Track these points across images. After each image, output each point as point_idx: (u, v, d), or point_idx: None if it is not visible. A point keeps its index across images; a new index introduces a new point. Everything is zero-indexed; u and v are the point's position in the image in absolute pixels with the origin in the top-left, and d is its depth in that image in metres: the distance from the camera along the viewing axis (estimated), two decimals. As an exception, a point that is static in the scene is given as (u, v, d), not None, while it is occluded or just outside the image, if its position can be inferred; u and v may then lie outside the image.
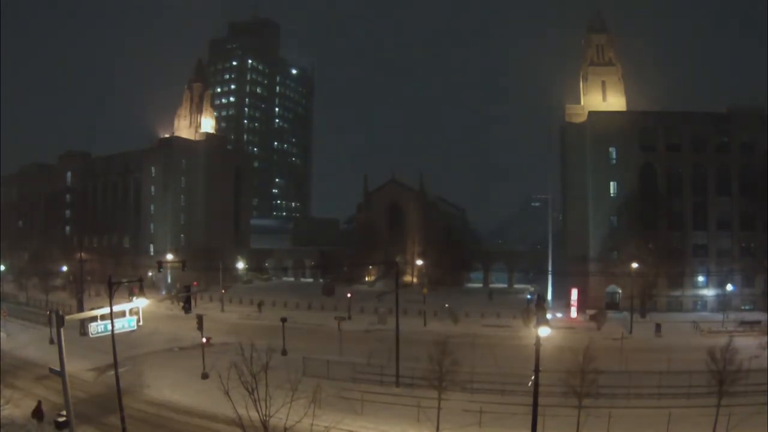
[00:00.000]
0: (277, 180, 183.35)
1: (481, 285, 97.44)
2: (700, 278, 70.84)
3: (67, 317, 25.22)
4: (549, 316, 30.27)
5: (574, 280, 66.51)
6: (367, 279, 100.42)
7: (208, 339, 42.18)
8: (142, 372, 38.06)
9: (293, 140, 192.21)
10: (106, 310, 26.54)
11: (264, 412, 19.79)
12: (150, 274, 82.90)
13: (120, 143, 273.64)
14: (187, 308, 35.79)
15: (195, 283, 72.20)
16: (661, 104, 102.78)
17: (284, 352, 41.30)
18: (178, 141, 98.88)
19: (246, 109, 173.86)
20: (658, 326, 53.90)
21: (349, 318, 60.97)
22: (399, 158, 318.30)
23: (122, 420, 25.65)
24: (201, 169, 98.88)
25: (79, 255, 70.54)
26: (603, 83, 79.11)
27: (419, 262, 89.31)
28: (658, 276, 65.52)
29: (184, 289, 43.22)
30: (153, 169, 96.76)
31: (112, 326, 26.25)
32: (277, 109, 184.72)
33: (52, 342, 42.18)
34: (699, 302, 69.84)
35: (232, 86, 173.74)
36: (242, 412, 20.18)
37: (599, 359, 26.46)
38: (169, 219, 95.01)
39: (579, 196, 74.64)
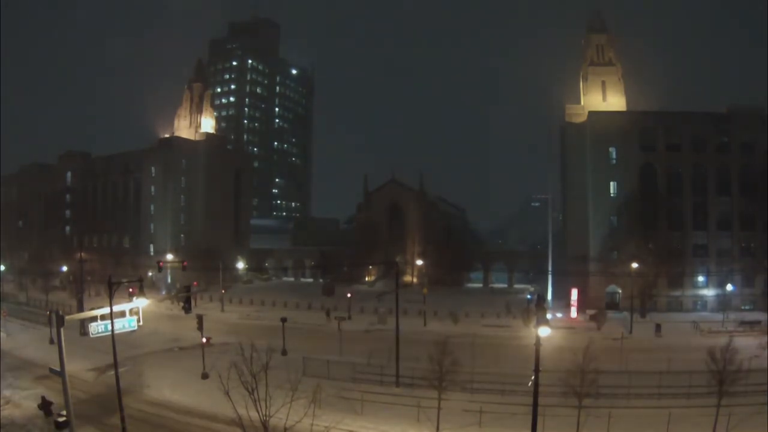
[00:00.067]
0: (277, 180, 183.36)
1: (481, 285, 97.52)
2: (700, 278, 70.85)
3: (67, 317, 25.22)
4: (549, 316, 30.26)
5: (574, 280, 66.50)
6: (367, 279, 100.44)
7: (208, 339, 42.19)
8: (142, 372, 38.06)
9: (293, 140, 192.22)
10: (106, 310, 26.54)
11: (264, 412, 19.79)
12: (150, 274, 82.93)
13: (120, 143, 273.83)
14: (187, 308, 35.78)
15: (195, 283, 72.21)
16: (661, 104, 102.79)
17: (284, 352, 41.30)
18: (178, 141, 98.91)
19: (246, 109, 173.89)
20: (658, 326, 53.90)
21: (349, 318, 60.98)
22: (399, 158, 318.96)
23: (122, 420, 25.66)
24: (201, 169, 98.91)
25: (79, 255, 70.55)
26: (603, 83, 79.14)
27: (419, 262, 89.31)
28: (658, 276, 65.52)
29: (184, 289, 43.20)
30: (153, 169, 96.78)
31: (112, 326, 26.24)
32: (277, 109, 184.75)
33: (52, 342, 42.19)
34: (699, 302, 69.84)
35: (232, 86, 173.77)
36: (242, 412, 20.19)
37: (599, 359, 26.44)
38: (169, 219, 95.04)
39: (579, 196, 74.64)
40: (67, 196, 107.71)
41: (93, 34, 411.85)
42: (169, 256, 77.55)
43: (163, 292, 79.30)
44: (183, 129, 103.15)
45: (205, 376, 36.16)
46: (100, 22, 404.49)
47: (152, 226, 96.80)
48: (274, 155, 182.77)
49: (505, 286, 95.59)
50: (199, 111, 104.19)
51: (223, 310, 68.70)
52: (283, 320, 44.92)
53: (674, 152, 72.04)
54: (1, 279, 73.07)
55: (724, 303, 64.88)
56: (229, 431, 26.02)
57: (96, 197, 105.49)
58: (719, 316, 59.72)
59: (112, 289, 25.61)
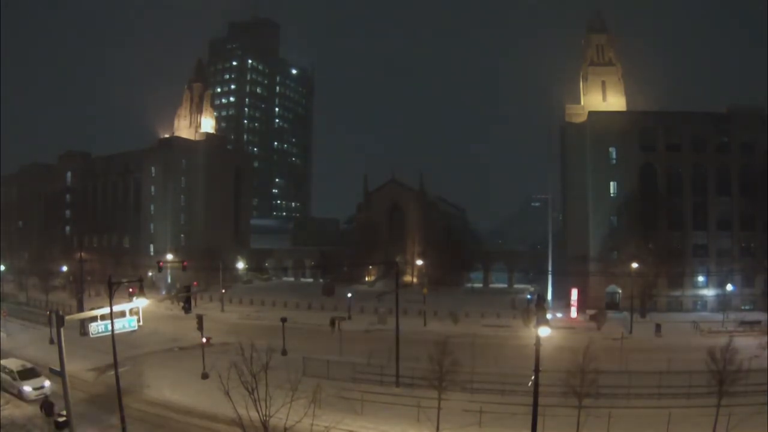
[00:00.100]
0: (277, 180, 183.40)
1: (481, 285, 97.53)
2: (700, 278, 70.87)
3: (67, 317, 25.21)
4: (549, 316, 30.29)
5: (574, 280, 66.51)
6: (367, 279, 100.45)
7: (208, 339, 42.17)
8: (142, 372, 38.04)
9: (293, 140, 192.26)
10: (106, 310, 26.52)
11: (264, 412, 19.79)
12: (150, 274, 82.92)
13: (120, 143, 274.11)
14: (187, 308, 35.79)
15: (195, 283, 72.23)
16: (661, 104, 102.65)
17: (284, 352, 41.30)
18: (178, 141, 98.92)
19: (246, 109, 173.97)
20: (658, 326, 53.91)
21: (349, 318, 60.98)
22: (399, 158, 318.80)
23: (122, 420, 25.64)
24: (201, 169, 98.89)
25: (79, 255, 70.53)
26: (603, 83, 79.15)
27: (419, 262, 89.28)
28: (658, 276, 65.53)
29: (184, 289, 43.24)
30: (153, 169, 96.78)
31: (112, 326, 26.23)
32: (277, 109, 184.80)
33: (52, 342, 42.17)
34: (699, 302, 69.87)
35: (232, 86, 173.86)
36: (242, 412, 20.18)
37: (599, 359, 26.44)
38: (169, 219, 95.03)
39: (579, 196, 74.66)
40: (67, 196, 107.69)
41: (93, 34, 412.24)
42: (169, 256, 77.53)
43: (163, 292, 79.31)
44: (183, 129, 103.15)
45: (205, 376, 36.15)
46: (100, 22, 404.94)
47: (152, 226, 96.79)
48: (274, 155, 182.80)
49: (505, 286, 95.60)
50: (199, 111, 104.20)
51: (223, 310, 68.69)
52: (283, 320, 44.92)
53: (674, 152, 72.05)
54: (1, 279, 73.02)
55: (724, 303, 64.88)
56: (229, 431, 26.01)
57: (96, 197, 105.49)
58: (719, 316, 59.71)
59: (112, 289, 25.60)
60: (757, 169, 68.73)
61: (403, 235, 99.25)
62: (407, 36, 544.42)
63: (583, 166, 73.77)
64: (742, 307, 67.19)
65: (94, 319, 26.94)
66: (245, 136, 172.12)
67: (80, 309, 55.62)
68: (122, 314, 27.99)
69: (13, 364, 34.26)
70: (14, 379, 32.73)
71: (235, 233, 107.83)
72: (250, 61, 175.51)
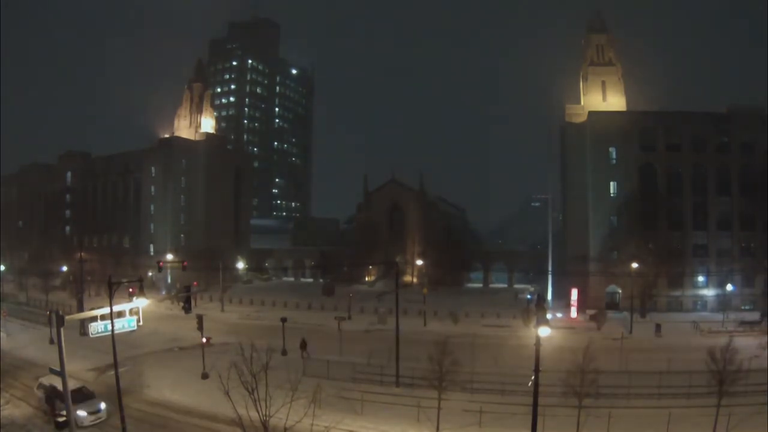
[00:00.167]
0: (277, 180, 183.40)
1: (481, 285, 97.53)
2: (700, 278, 70.85)
3: (67, 317, 25.20)
4: (549, 316, 30.27)
5: (574, 280, 66.52)
6: (367, 279, 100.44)
7: (208, 339, 42.17)
8: (142, 372, 38.05)
9: (293, 140, 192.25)
10: (106, 310, 26.52)
11: (264, 412, 19.78)
12: (150, 274, 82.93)
13: (120, 143, 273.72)
14: (187, 308, 35.80)
15: (195, 283, 72.16)
16: (661, 104, 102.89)
17: (284, 352, 41.29)
18: (178, 141, 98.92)
19: (246, 109, 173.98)
20: (658, 326, 53.90)
21: (349, 318, 60.98)
22: (399, 158, 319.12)
23: (122, 420, 25.65)
24: (201, 169, 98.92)
25: (79, 255, 70.52)
26: (603, 83, 79.14)
27: (419, 262, 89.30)
28: (658, 276, 65.53)
29: (184, 289, 43.25)
30: (153, 169, 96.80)
31: (112, 326, 26.23)
32: (277, 109, 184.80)
33: (52, 342, 42.18)
34: (699, 302, 69.85)
35: (232, 86, 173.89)
36: (242, 412, 20.18)
37: (599, 359, 26.45)
38: (169, 219, 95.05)
39: (579, 196, 74.64)
40: (67, 196, 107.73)
41: (93, 34, 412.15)
42: (169, 256, 77.56)
43: (163, 292, 79.31)
44: (183, 129, 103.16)
45: (205, 376, 36.15)
46: (100, 22, 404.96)
47: (152, 226, 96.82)
48: (274, 155, 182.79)
49: (505, 286, 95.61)
50: (199, 111, 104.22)
51: (223, 310, 68.68)
52: (283, 320, 44.92)
53: (674, 152, 72.04)
54: (1, 279, 73.04)
55: (724, 303, 64.88)
56: (229, 431, 26.02)
57: (96, 197, 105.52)
58: (719, 316, 59.72)
59: (112, 289, 25.60)
60: (757, 169, 68.68)
61: (403, 235, 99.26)
62: (407, 36, 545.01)
63: (583, 166, 73.76)
64: (742, 307, 67.18)
65: (94, 319, 26.95)
66: (245, 136, 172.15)
67: (80, 309, 55.65)
68: (122, 314, 28.01)
69: (57, 382, 27.65)
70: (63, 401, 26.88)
71: (235, 233, 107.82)
72: (250, 61, 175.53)
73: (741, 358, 26.15)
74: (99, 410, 28.81)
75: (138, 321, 28.46)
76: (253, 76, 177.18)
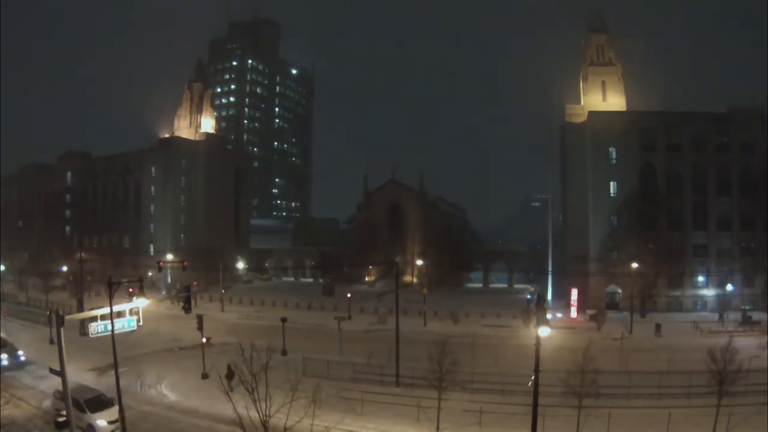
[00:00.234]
0: (277, 180, 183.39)
1: (481, 285, 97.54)
2: (700, 278, 70.86)
3: (67, 317, 25.18)
4: (549, 316, 30.26)
5: (574, 280, 66.53)
6: (367, 279, 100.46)
7: (208, 339, 42.18)
8: (142, 372, 38.06)
9: (293, 140, 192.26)
10: (106, 310, 26.52)
11: (264, 412, 19.79)
12: (150, 274, 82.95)
13: (120, 143, 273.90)
14: (187, 308, 35.83)
15: (195, 283, 72.22)
16: (661, 104, 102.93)
17: (284, 352, 41.31)
18: (178, 141, 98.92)
19: (246, 109, 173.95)
20: (658, 326, 53.92)
21: (349, 318, 60.98)
22: (399, 158, 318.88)
23: (122, 420, 25.65)
24: (201, 169, 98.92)
25: (79, 255, 70.56)
26: (603, 83, 79.14)
27: (419, 262, 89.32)
28: (658, 276, 65.55)
29: (184, 289, 43.28)
30: (153, 169, 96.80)
31: (112, 326, 26.24)
32: (277, 109, 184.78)
33: (52, 342, 42.18)
34: (699, 302, 69.86)
35: (232, 86, 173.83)
36: (242, 412, 20.18)
37: (599, 359, 26.45)
38: (169, 219, 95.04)
39: (579, 196, 74.66)
40: (67, 196, 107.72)
41: (93, 34, 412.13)
42: (169, 256, 77.55)
43: (163, 292, 79.33)
44: (183, 129, 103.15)
45: (205, 376, 36.16)
46: (100, 22, 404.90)
47: (152, 226, 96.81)
48: (274, 155, 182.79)
49: (505, 286, 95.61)
50: (199, 111, 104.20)
51: (223, 310, 68.69)
52: (283, 320, 44.91)
53: (674, 152, 72.05)
54: (1, 279, 73.05)
55: (724, 303, 64.88)
56: (229, 431, 26.03)
57: (96, 197, 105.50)
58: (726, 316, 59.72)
59: (112, 289, 25.62)
60: (757, 169, 68.75)
61: (403, 235, 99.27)
62: (407, 36, 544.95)
63: (583, 166, 73.76)
64: (742, 307, 67.16)
65: (94, 319, 26.93)
66: (245, 136, 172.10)
67: (80, 309, 55.65)
68: (122, 314, 28.00)
69: (75, 390, 27.64)
70: (82, 410, 27.09)
71: (235, 233, 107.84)
72: (250, 61, 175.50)
73: (741, 358, 26.17)
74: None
75: (138, 321, 28.45)
76: (253, 76, 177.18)
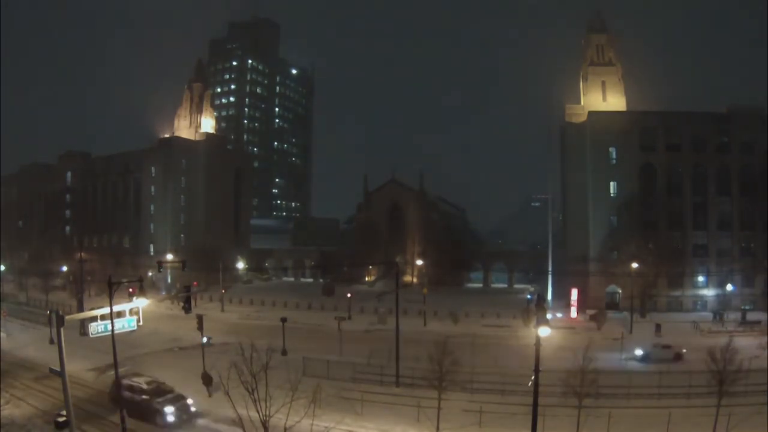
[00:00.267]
0: (277, 180, 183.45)
1: (481, 285, 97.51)
2: (700, 278, 70.87)
3: (67, 317, 25.18)
4: (549, 316, 30.26)
5: (574, 280, 66.54)
6: (367, 279, 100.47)
7: (208, 339, 42.11)
8: (142, 372, 37.96)
9: (293, 140, 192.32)
10: (106, 310, 26.49)
11: (264, 412, 19.78)
12: (150, 274, 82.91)
13: (120, 143, 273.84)
14: (187, 308, 35.69)
15: (195, 283, 72.20)
16: (661, 104, 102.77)
17: (284, 352, 41.30)
18: (178, 141, 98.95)
19: (246, 109, 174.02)
20: (658, 326, 53.93)
21: (349, 318, 60.97)
22: (399, 158, 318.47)
23: (122, 420, 25.63)
24: (201, 169, 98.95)
25: (79, 255, 70.60)
26: (603, 83, 79.16)
27: (419, 262, 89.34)
28: (658, 276, 65.55)
29: (184, 289, 43.13)
30: (153, 169, 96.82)
31: (112, 326, 26.21)
32: (277, 109, 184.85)
33: (52, 342, 42.15)
34: (699, 302, 69.85)
35: (232, 86, 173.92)
36: (242, 412, 20.17)
37: (599, 359, 26.42)
38: (169, 219, 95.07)
39: (579, 196, 74.67)
40: (67, 196, 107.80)
41: (93, 34, 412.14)
42: (169, 256, 77.54)
43: (163, 292, 79.30)
44: (183, 129, 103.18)
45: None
46: (100, 22, 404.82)
47: (152, 226, 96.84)
48: (274, 155, 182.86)
49: (505, 286, 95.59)
50: (199, 111, 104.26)
51: (223, 310, 68.70)
52: (283, 320, 44.91)
53: (674, 152, 72.06)
54: (1, 279, 73.06)
55: (724, 303, 64.86)
56: (229, 431, 26.00)
57: (96, 197, 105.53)
58: (719, 316, 59.71)
59: (112, 289, 25.57)
60: (757, 169, 68.79)
61: (403, 235, 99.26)
62: (407, 36, 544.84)
63: (583, 166, 73.77)
64: (742, 307, 67.16)
65: (94, 319, 26.90)
66: (245, 136, 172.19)
67: (80, 309, 55.64)
68: (122, 314, 27.97)
69: (134, 377, 30.19)
70: (148, 396, 28.46)
71: (235, 233, 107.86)
72: (250, 61, 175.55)
73: (741, 358, 26.17)
74: (189, 407, 28.91)
75: (138, 321, 28.41)
76: (253, 76, 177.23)
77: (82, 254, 70.73)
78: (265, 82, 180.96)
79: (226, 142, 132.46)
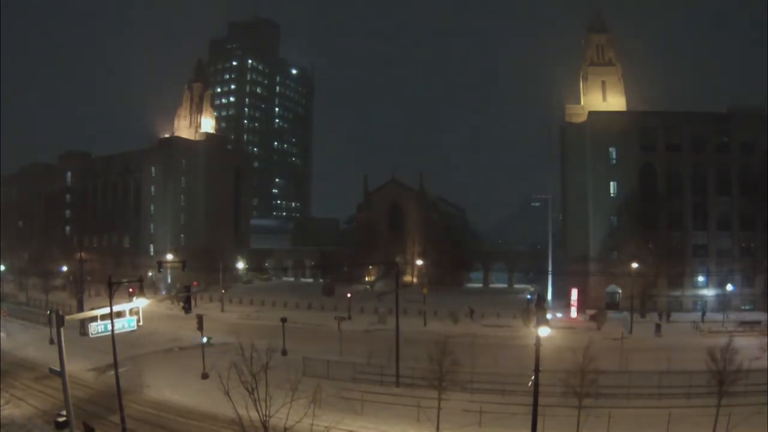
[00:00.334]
0: (277, 180, 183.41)
1: (481, 285, 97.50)
2: (700, 278, 70.84)
3: (67, 317, 25.20)
4: (549, 316, 30.31)
5: (574, 280, 66.52)
6: (367, 279, 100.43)
7: (208, 339, 42.14)
8: (142, 372, 38.04)
9: (293, 140, 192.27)
10: (106, 310, 26.52)
11: (264, 412, 19.78)
12: (150, 274, 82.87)
13: (120, 143, 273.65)
14: (187, 308, 35.75)
15: (195, 283, 72.22)
16: (661, 104, 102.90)
17: (284, 352, 41.31)
18: (178, 141, 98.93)
19: (246, 109, 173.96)
20: (658, 326, 53.93)
21: (349, 318, 60.98)
22: (399, 158, 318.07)
23: (122, 420, 25.66)
24: (201, 169, 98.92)
25: (79, 255, 70.56)
26: (603, 83, 79.12)
27: (419, 262, 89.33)
28: (658, 276, 65.52)
29: (184, 289, 43.21)
30: (153, 169, 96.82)
31: (112, 326, 26.23)
32: (277, 109, 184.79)
33: (52, 342, 42.17)
34: (699, 302, 69.83)
35: (232, 86, 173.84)
36: (242, 412, 20.18)
37: (599, 359, 26.45)
38: (169, 219, 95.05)
39: (579, 196, 74.62)
40: (67, 196, 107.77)
41: (93, 34, 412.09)
42: (169, 256, 77.54)
43: (163, 292, 79.32)
44: (183, 129, 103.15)
45: (205, 376, 36.15)
46: (100, 22, 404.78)
47: (152, 226, 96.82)
48: (274, 155, 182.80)
49: (505, 286, 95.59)
50: (199, 111, 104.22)
51: (223, 310, 68.69)
52: (283, 320, 44.93)
53: (674, 152, 72.03)
54: (1, 279, 73.06)
55: (724, 303, 64.85)
56: (229, 431, 26.02)
57: (96, 197, 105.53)
58: (719, 316, 59.69)
59: (112, 289, 25.61)
60: (757, 169, 68.72)
61: (403, 235, 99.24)
62: (407, 36, 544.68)
63: (583, 166, 73.75)
64: (742, 307, 67.18)
65: (94, 319, 26.93)
66: (245, 136, 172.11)
67: (80, 309, 55.65)
68: (122, 314, 28.00)
69: None
70: None
71: (235, 233, 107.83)
72: (250, 61, 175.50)
73: (741, 358, 26.16)
74: None
75: (138, 321, 28.45)
76: (253, 76, 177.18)
77: (82, 254, 70.69)
78: (265, 82, 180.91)
79: (226, 142, 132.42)
